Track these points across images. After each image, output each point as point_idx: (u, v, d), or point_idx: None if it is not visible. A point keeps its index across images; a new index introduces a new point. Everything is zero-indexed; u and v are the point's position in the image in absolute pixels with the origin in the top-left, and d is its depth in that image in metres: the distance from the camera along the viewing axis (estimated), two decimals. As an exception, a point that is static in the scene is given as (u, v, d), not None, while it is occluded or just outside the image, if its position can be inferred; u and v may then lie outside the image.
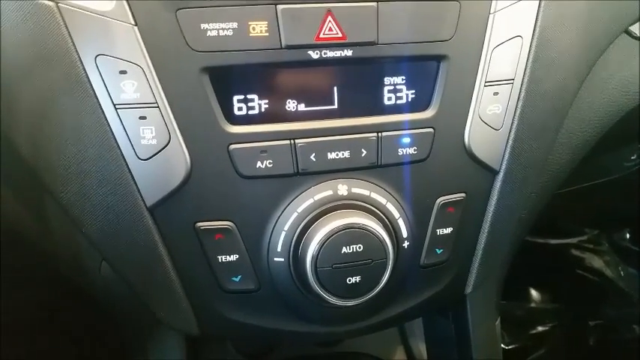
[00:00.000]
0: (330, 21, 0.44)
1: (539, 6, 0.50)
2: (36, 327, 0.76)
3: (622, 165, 0.85)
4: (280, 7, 0.43)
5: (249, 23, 0.42)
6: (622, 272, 1.23)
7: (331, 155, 0.47)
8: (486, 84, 0.49)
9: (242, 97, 0.45)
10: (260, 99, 0.45)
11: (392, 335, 0.91)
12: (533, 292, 1.29)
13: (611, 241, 1.25)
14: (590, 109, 0.59)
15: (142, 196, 0.45)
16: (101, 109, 0.42)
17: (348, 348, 0.88)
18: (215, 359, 0.83)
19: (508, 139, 0.51)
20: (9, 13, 0.41)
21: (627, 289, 1.20)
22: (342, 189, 0.48)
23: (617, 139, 0.66)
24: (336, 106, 0.47)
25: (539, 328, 1.23)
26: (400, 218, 0.50)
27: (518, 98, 0.50)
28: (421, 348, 0.88)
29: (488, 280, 0.60)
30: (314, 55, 0.45)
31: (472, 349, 0.62)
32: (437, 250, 0.53)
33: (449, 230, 0.52)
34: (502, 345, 0.76)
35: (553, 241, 1.24)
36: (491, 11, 0.48)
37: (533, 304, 1.28)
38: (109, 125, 0.42)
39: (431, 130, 0.48)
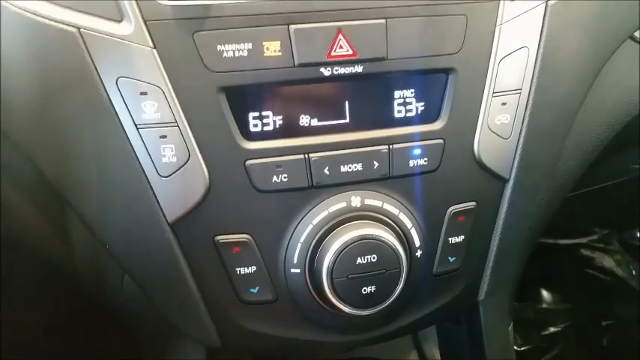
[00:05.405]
0: (340, 39, 0.45)
1: (544, 17, 0.50)
2: (54, 340, 0.77)
3: (629, 168, 0.85)
4: (293, 27, 0.44)
5: (264, 43, 0.44)
6: (633, 271, 1.22)
7: (344, 168, 0.48)
8: (494, 95, 0.50)
9: (257, 114, 0.46)
10: (274, 115, 0.47)
11: (405, 340, 0.92)
12: (545, 293, 1.28)
13: (621, 240, 1.24)
14: (598, 115, 0.59)
15: (163, 213, 0.46)
16: (123, 129, 0.43)
17: (362, 353, 0.89)
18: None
19: (517, 148, 0.52)
20: (33, 39, 0.42)
21: (639, 288, 1.20)
22: (356, 201, 0.49)
23: (623, 142, 0.66)
24: (347, 120, 0.48)
25: (552, 329, 1.22)
26: (413, 228, 0.51)
27: (526, 107, 0.51)
28: (434, 352, 0.88)
29: (500, 287, 0.60)
30: (326, 72, 0.46)
31: (486, 355, 0.63)
32: (449, 258, 0.54)
33: (460, 238, 0.53)
34: (514, 347, 0.77)
35: (563, 242, 1.23)
36: (498, 23, 0.49)
37: (544, 305, 1.27)
38: (131, 145, 0.44)
39: (441, 141, 0.49)
